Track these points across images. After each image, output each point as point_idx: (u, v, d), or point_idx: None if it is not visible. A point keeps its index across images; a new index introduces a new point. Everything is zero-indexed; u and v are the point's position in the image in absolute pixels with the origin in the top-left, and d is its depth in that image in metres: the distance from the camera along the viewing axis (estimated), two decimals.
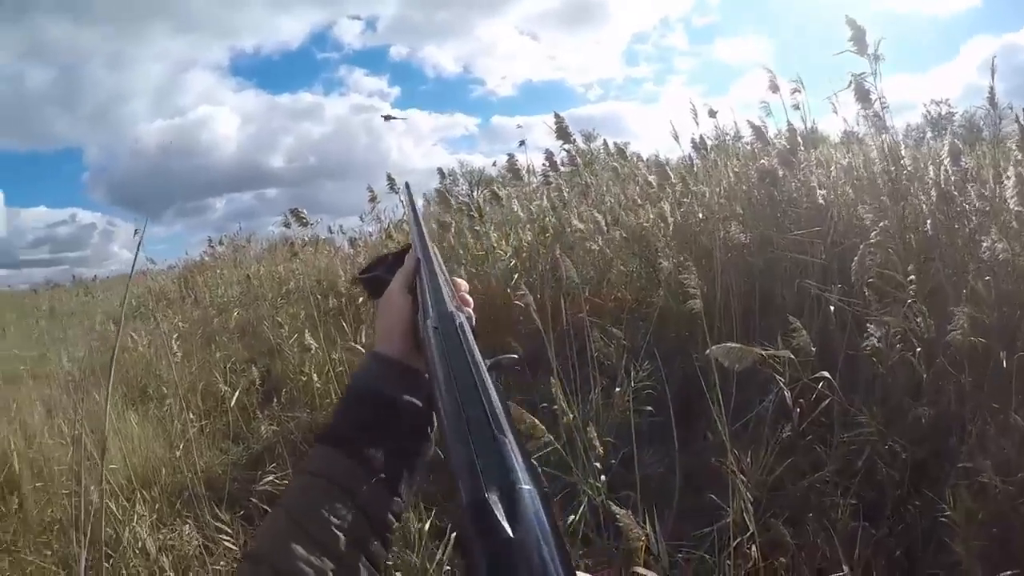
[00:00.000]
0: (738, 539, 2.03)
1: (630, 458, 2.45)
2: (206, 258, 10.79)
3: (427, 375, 0.65)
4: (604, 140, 5.62)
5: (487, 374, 0.53)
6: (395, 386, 0.72)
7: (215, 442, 3.93)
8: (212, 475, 3.54)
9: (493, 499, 0.40)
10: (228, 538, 2.80)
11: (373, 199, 6.04)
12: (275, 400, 4.22)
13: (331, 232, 7.10)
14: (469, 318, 0.68)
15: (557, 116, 4.81)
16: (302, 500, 0.66)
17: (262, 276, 7.80)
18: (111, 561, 2.57)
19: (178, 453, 3.65)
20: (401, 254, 0.90)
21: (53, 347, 7.20)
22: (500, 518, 0.39)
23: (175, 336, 5.53)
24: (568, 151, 5.15)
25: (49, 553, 2.95)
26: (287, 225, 6.11)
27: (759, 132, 4.16)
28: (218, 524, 2.89)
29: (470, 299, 0.82)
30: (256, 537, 0.68)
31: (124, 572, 2.57)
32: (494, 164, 10.10)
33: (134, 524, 2.75)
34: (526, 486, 0.41)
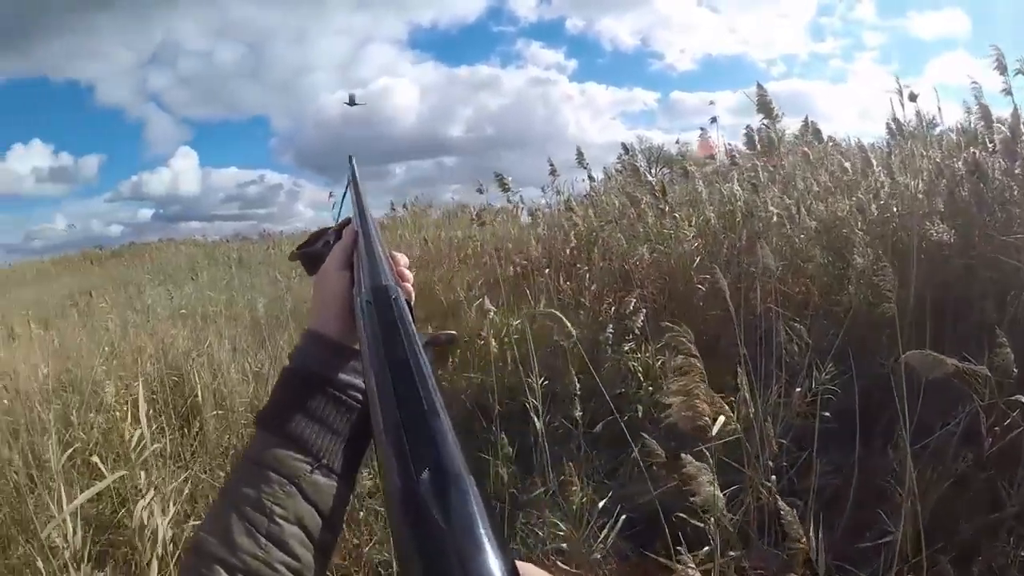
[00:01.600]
0: (900, 567, 1.94)
1: (802, 463, 2.38)
2: (386, 220, 11.12)
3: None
4: (806, 119, 5.11)
5: (422, 351, 0.50)
6: (329, 366, 0.69)
7: None
8: None
9: (425, 486, 0.37)
10: None
11: (553, 172, 6.09)
12: (449, 360, 4.29)
13: (509, 202, 7.22)
14: (409, 296, 0.66)
15: (760, 88, 4.42)
16: (243, 489, 0.63)
17: (441, 240, 8.01)
18: None
19: None
20: (340, 229, 0.86)
21: (241, 292, 7.85)
22: (432, 507, 0.37)
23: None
24: (765, 127, 4.75)
25: (221, 474, 3.23)
26: (480, 191, 6.29)
27: (985, 113, 3.60)
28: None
29: (409, 274, 0.80)
30: (200, 528, 0.65)
31: None
32: (677, 142, 9.90)
33: None
34: (460, 472, 0.38)
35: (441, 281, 6.23)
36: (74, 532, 2.40)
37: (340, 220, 0.88)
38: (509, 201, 5.99)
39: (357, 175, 1.00)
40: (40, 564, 2.55)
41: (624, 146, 7.09)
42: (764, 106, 4.39)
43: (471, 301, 4.90)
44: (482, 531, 0.35)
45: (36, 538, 2.90)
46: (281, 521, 0.60)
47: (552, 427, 2.99)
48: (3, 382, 4.01)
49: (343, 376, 0.67)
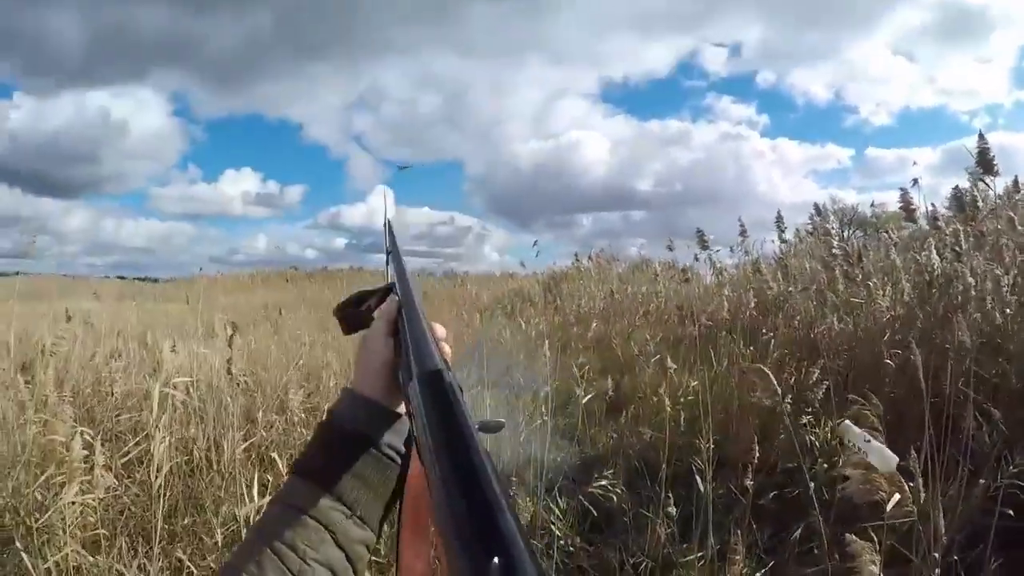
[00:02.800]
0: None
1: (973, 559, 2.21)
2: (570, 270, 11.28)
3: (410, 430, 0.68)
4: (1015, 178, 4.59)
5: (480, 442, 0.46)
6: (374, 427, 0.73)
7: (554, 436, 4.06)
8: (547, 463, 3.67)
9: None
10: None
11: (743, 232, 6.00)
12: (623, 413, 4.30)
13: (696, 259, 7.15)
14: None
15: (981, 139, 4.00)
16: (280, 530, 0.66)
17: (624, 294, 8.03)
18: None
19: (520, 436, 3.96)
20: (384, 294, 0.87)
21: None
22: None
23: (536, 337, 5.99)
24: (974, 186, 4.32)
25: None
26: (670, 248, 6.28)
27: None
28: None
29: (447, 348, 0.78)
30: (232, 559, 0.68)
31: None
32: (872, 205, 9.42)
33: None
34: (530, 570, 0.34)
35: (620, 335, 6.18)
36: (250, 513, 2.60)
37: (384, 285, 0.89)
38: (696, 258, 5.94)
39: (397, 242, 1.01)
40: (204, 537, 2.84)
41: (816, 207, 6.87)
42: (985, 161, 3.99)
43: (649, 357, 4.89)
44: None
45: (203, 511, 3.19)
46: (312, 563, 0.65)
47: (717, 493, 2.91)
48: (198, 375, 4.46)
49: (387, 437, 0.72)
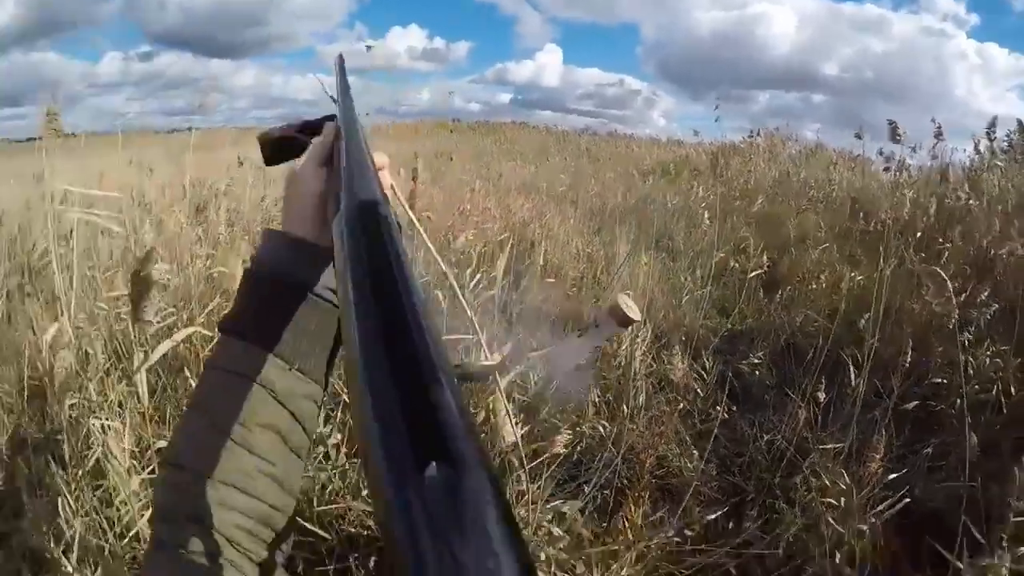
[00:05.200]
0: None
1: None
2: (741, 145, 10.89)
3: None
4: None
5: (420, 296, 0.34)
6: (304, 269, 0.65)
7: (703, 304, 4.11)
8: (691, 329, 3.79)
9: (427, 485, 0.24)
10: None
11: (939, 134, 5.64)
12: (778, 292, 4.25)
13: (881, 154, 6.74)
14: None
15: None
16: (217, 399, 0.62)
17: (795, 176, 7.78)
18: None
19: (682, 301, 4.11)
20: (319, 122, 0.76)
21: (584, 180, 8.32)
22: (435, 516, 0.23)
23: (702, 204, 6.00)
24: None
25: None
26: (859, 136, 6.00)
27: None
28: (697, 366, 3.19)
29: (388, 178, 0.72)
30: (173, 443, 0.64)
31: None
32: None
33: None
34: (470, 461, 0.25)
35: (785, 216, 6.05)
36: None
37: (321, 116, 0.79)
38: (881, 153, 5.63)
39: (345, 71, 0.87)
40: None
41: (1020, 122, 6.34)
42: None
43: (817, 243, 4.81)
44: (502, 551, 0.22)
45: None
46: (255, 428, 0.60)
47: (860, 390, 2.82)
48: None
49: (322, 279, 0.65)
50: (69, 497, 2.11)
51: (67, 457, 2.20)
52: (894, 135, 4.46)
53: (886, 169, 6.02)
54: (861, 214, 5.33)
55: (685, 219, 5.94)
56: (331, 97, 0.83)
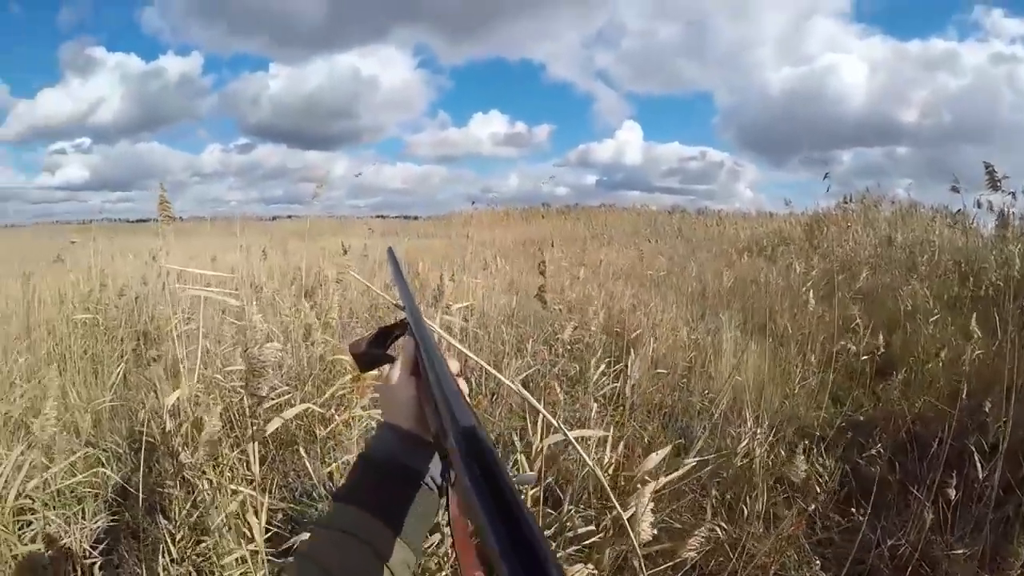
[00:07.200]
0: None
1: None
2: (835, 211, 10.74)
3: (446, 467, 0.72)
4: None
5: (521, 500, 0.45)
6: (420, 461, 0.79)
7: (816, 394, 4.09)
8: (805, 422, 3.79)
9: None
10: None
11: None
12: (894, 374, 4.07)
13: (979, 206, 6.48)
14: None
15: None
16: (335, 555, 0.71)
17: (895, 241, 7.63)
18: None
19: (795, 390, 4.05)
20: (390, 329, 0.92)
21: (680, 262, 8.36)
22: None
23: (806, 283, 5.95)
24: None
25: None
26: (956, 190, 5.76)
27: None
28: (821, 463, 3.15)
29: (464, 384, 0.82)
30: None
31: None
32: None
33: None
34: None
35: (891, 288, 5.98)
36: None
37: (397, 320, 0.94)
38: (979, 204, 5.44)
39: (400, 269, 1.03)
40: None
41: None
42: None
43: (927, 315, 4.69)
44: None
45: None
46: None
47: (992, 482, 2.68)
48: (470, 302, 4.98)
49: (426, 466, 0.79)
50: (172, 546, 2.37)
51: (175, 510, 2.44)
52: (993, 181, 4.18)
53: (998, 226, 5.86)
54: (970, 278, 5.18)
55: (789, 299, 5.89)
56: (397, 305, 1.00)
